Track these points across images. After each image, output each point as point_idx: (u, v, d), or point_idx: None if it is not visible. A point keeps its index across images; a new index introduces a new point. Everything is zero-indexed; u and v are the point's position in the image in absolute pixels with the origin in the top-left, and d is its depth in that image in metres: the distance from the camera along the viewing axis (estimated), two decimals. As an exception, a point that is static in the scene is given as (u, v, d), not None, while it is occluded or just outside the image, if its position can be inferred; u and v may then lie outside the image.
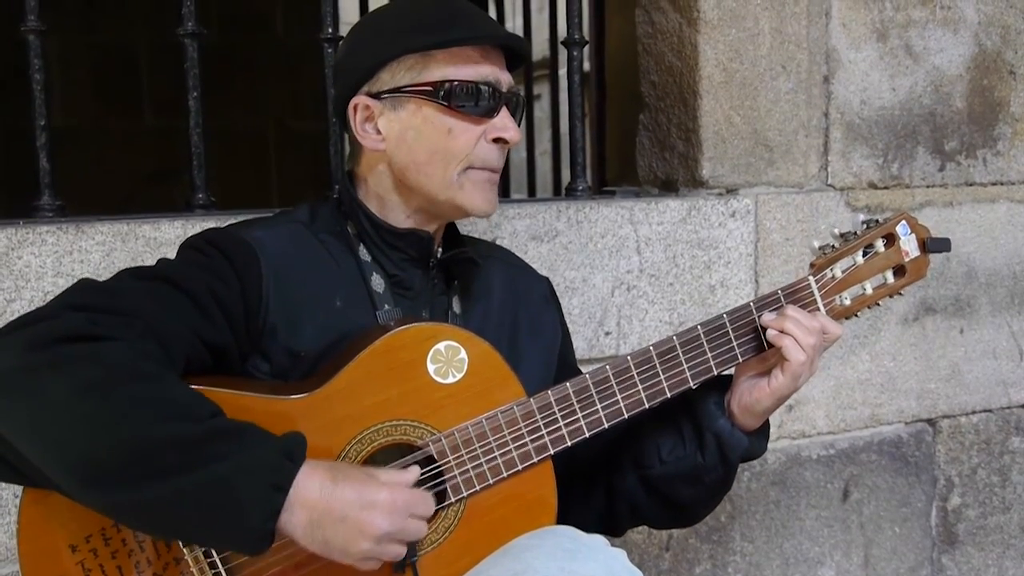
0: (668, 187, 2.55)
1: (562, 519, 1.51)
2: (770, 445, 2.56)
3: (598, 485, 1.67)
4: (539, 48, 4.85)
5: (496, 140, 1.50)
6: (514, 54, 1.56)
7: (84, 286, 1.36)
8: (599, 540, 1.40)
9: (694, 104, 2.43)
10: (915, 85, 2.68)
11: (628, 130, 2.66)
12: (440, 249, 1.60)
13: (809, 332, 1.51)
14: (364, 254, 1.53)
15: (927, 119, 2.70)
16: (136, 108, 4.89)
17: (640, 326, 2.38)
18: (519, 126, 1.55)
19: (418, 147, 1.49)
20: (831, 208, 2.58)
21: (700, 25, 2.40)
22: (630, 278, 2.36)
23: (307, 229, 1.52)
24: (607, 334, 2.35)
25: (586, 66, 2.73)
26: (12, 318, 1.80)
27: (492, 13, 5.11)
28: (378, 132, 1.51)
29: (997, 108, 2.79)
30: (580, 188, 2.45)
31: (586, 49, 2.58)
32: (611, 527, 1.68)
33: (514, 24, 6.42)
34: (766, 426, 1.63)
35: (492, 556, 1.41)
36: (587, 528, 1.47)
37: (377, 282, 1.52)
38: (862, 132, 2.62)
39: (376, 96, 1.50)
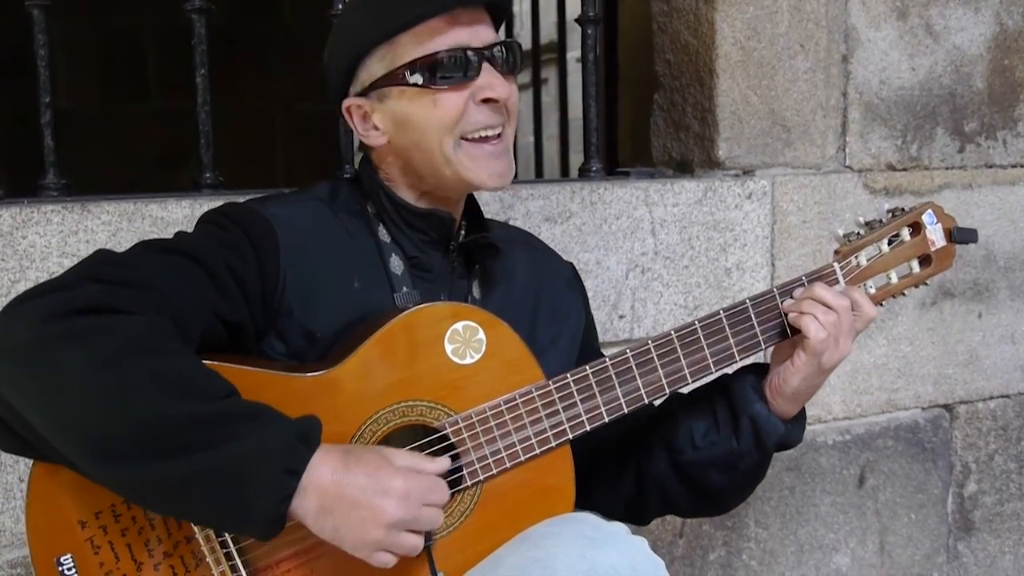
0: (683, 168, 2.51)
1: (587, 504, 1.49)
2: (785, 430, 2.56)
3: (628, 470, 1.64)
4: (547, 32, 4.81)
5: (485, 100, 1.45)
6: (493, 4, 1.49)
7: (101, 257, 1.33)
8: (620, 528, 1.37)
9: (710, 83, 2.39)
10: (935, 65, 2.63)
11: (642, 110, 2.62)
12: (463, 232, 1.57)
13: (831, 309, 1.48)
14: (383, 234, 1.50)
15: (947, 100, 2.66)
16: (142, 92, 4.86)
17: (655, 309, 2.34)
18: (515, 72, 1.49)
19: (412, 128, 1.46)
20: (849, 190, 2.54)
21: (717, 2, 2.36)
22: (645, 260, 2.33)
23: (327, 207, 1.50)
24: (621, 317, 2.32)
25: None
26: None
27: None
28: (376, 128, 1.50)
29: (1018, 89, 2.75)
30: (593, 169, 2.41)
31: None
32: (638, 514, 1.66)
33: (521, 7, 6.36)
34: (802, 415, 1.60)
35: (511, 543, 1.38)
36: (613, 514, 1.44)
37: (396, 263, 1.49)
38: (881, 113, 2.58)
39: (363, 94, 1.49)
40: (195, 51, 2.09)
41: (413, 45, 1.44)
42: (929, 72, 2.63)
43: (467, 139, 1.45)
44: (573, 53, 3.71)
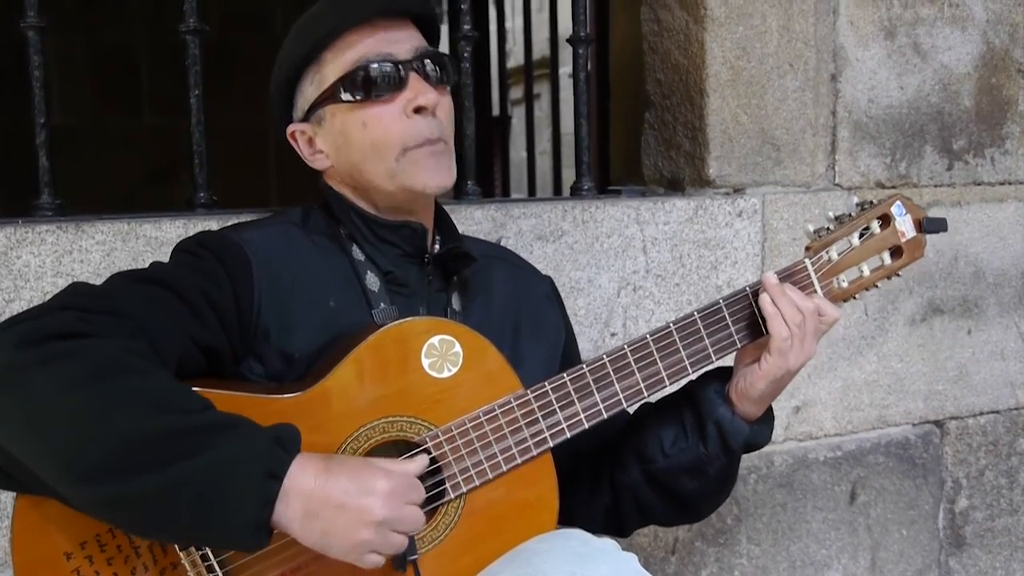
0: (674, 186, 2.52)
1: (568, 521, 1.49)
2: (777, 447, 2.57)
3: (602, 483, 1.65)
4: (539, 48, 4.84)
5: (417, 110, 1.44)
6: (417, 16, 1.49)
7: (76, 289, 1.34)
8: (610, 544, 1.38)
9: (701, 102, 2.41)
10: (923, 83, 2.65)
11: (633, 129, 2.64)
12: (437, 245, 1.57)
13: (798, 310, 1.48)
14: (357, 253, 1.51)
15: (935, 118, 2.68)
16: (135, 107, 4.87)
17: (646, 327, 2.35)
18: (445, 84, 1.48)
19: (350, 150, 1.48)
20: (838, 208, 2.54)
21: (707, 22, 2.38)
22: (636, 278, 2.34)
23: (300, 230, 1.51)
24: (613, 335, 2.33)
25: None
26: (10, 319, 1.79)
27: (492, 13, 5.09)
28: (321, 151, 1.52)
29: (1005, 107, 2.77)
30: (585, 187, 2.43)
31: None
32: (618, 526, 1.67)
33: (514, 24, 6.40)
34: (769, 415, 1.61)
35: (501, 560, 1.39)
36: (594, 529, 1.44)
37: (372, 280, 1.49)
38: (870, 131, 2.60)
39: (304, 120, 1.51)
40: (189, 72, 2.10)
41: (336, 62, 1.45)
42: (917, 90, 2.65)
43: (408, 149, 1.45)
44: (565, 69, 3.73)
